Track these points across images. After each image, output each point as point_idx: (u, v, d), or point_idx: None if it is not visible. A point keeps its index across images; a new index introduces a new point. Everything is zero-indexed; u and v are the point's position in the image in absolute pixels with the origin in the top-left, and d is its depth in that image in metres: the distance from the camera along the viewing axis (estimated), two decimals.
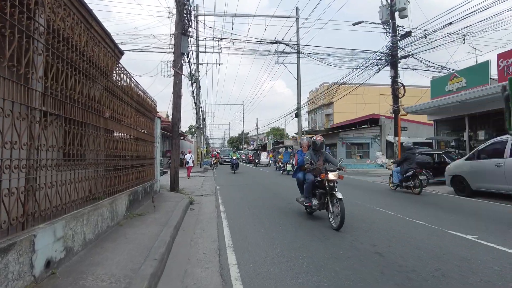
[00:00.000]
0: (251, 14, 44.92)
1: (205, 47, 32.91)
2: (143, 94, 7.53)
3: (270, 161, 30.82)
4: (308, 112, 39.50)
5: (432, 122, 16.44)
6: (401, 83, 14.89)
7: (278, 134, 58.41)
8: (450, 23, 11.39)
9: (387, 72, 15.80)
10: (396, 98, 14.90)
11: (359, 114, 31.66)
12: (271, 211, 6.73)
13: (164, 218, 5.68)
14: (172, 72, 9.73)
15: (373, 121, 25.63)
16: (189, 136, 39.13)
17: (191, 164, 17.64)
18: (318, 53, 15.65)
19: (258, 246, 4.24)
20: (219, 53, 28.64)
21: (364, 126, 25.33)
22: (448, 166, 9.95)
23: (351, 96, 25.80)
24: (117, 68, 5.97)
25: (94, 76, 4.43)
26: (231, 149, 39.76)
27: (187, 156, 17.71)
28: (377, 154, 24.05)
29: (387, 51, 15.08)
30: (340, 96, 24.17)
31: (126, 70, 6.24)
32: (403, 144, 11.55)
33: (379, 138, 24.64)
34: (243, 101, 74.97)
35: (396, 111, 14.91)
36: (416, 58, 13.99)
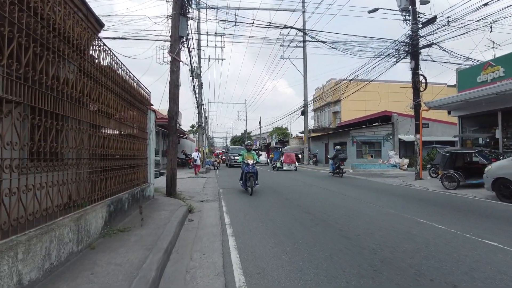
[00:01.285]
0: (255, 7, 43.48)
1: (207, 34, 31.57)
2: (132, 81, 6.23)
3: (268, 160, 30.70)
4: (314, 110, 38.11)
5: (454, 119, 15.05)
6: (423, 75, 13.50)
7: (281, 134, 57.05)
8: (485, 4, 10.00)
9: (402, 65, 14.44)
10: (417, 91, 13.51)
11: (368, 112, 30.27)
12: (290, 225, 5.39)
13: (153, 236, 4.37)
14: (169, 59, 8.43)
15: (385, 118, 24.23)
16: (191, 135, 37.84)
17: (198, 162, 17.99)
18: (333, 41, 14.24)
19: (283, 286, 2.91)
20: (221, 47, 27.29)
21: (375, 124, 23.93)
22: (488, 167, 8.57)
23: (360, 93, 24.42)
24: (95, 44, 4.69)
25: (55, 46, 3.14)
26: (241, 147, 29.35)
27: (194, 154, 18.13)
28: (390, 153, 22.64)
29: (407, 40, 13.68)
30: (350, 93, 22.81)
31: (107, 47, 4.95)
32: (335, 147, 17.64)
33: (391, 137, 23.23)
34: (245, 100, 73.57)
35: (417, 106, 13.52)
36: (441, 47, 12.56)
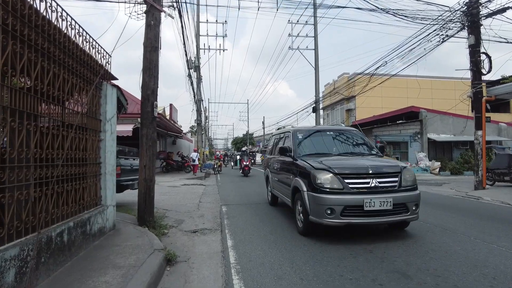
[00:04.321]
0: None
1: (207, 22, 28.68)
2: (62, 21, 3.19)
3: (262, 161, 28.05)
4: (324, 108, 34.96)
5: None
6: (485, 53, 10.43)
7: None
8: None
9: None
10: (478, 75, 10.43)
11: (385, 109, 27.23)
12: None
13: None
14: (144, 9, 5.38)
15: (409, 116, 21.15)
16: (188, 135, 34.77)
17: (197, 162, 18.63)
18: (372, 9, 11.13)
19: None
20: (223, 36, 24.30)
21: (400, 121, 20.84)
22: None
23: (376, 89, 21.43)
24: None
25: None
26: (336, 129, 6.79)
27: (193, 155, 18.82)
28: (419, 155, 19.51)
29: (463, 9, 10.61)
30: (370, 87, 19.79)
31: None
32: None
33: (419, 136, 20.13)
34: (247, 100, 70.87)
35: (478, 94, 10.44)
36: None
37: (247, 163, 17.94)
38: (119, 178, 7.04)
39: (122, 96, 5.41)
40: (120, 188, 7.11)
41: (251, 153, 32.07)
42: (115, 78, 5.33)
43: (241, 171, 18.35)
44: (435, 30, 12.03)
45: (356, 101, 28.53)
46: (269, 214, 6.53)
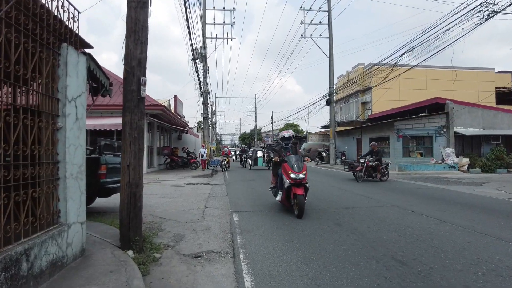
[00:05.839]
0: None
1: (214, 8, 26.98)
2: None
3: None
4: (336, 102, 33.20)
5: None
6: None
7: (294, 130, 52.51)
8: None
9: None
10: None
11: (403, 102, 25.45)
12: None
13: None
14: None
15: (433, 108, 19.40)
16: (195, 129, 33.42)
17: (205, 157, 19.03)
18: None
19: None
20: (231, 24, 22.75)
21: (423, 114, 19.10)
22: None
23: (394, 81, 19.82)
24: None
25: None
26: None
27: (202, 150, 19.40)
28: (446, 151, 17.76)
29: None
30: (392, 77, 18.24)
31: None
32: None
33: (445, 130, 18.36)
34: (255, 94, 69.37)
35: None
36: None
37: (301, 176, 5.72)
38: (105, 180, 5.69)
39: (98, 70, 3.97)
40: (106, 191, 5.76)
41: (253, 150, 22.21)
42: (89, 46, 3.91)
43: (279, 198, 6.27)
44: (479, 4, 10.36)
45: (373, 93, 26.72)
46: (295, 227, 5.06)
